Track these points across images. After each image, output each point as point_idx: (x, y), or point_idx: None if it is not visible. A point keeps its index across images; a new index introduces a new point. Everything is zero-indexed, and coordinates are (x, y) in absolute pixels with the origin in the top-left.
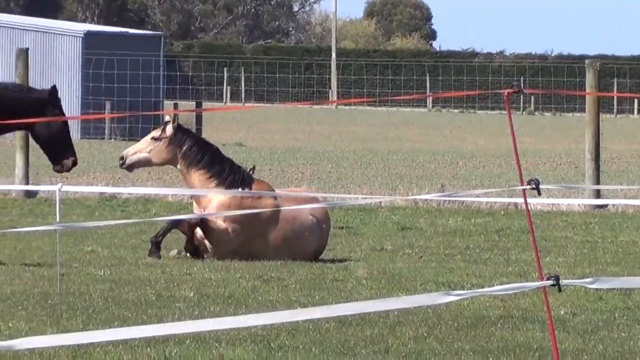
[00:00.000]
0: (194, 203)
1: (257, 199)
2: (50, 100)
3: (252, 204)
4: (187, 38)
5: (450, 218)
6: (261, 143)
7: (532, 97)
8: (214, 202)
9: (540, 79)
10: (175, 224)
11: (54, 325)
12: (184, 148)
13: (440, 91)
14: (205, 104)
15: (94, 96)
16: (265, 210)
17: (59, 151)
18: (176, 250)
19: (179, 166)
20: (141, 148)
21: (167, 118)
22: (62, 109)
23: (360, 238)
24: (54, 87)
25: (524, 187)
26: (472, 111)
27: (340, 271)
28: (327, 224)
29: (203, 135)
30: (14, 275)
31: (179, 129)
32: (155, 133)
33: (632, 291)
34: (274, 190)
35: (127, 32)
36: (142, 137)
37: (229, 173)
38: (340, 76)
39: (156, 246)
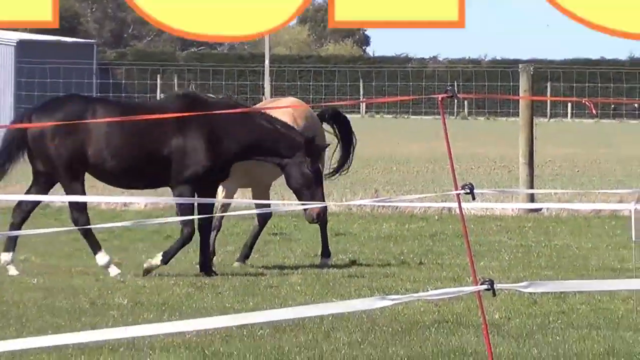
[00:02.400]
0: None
1: None
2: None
3: None
4: (120, 46)
5: (384, 223)
6: None
7: (466, 101)
8: None
9: (474, 83)
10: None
11: None
12: None
13: (374, 97)
14: None
15: (27, 105)
16: None
17: (306, 199)
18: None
19: None
20: None
21: None
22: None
23: (294, 244)
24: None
25: (458, 192)
26: (405, 116)
27: (274, 277)
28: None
29: None
30: None
31: None
32: None
33: (566, 295)
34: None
35: (60, 40)
36: None
37: None
38: (273, 83)
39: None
